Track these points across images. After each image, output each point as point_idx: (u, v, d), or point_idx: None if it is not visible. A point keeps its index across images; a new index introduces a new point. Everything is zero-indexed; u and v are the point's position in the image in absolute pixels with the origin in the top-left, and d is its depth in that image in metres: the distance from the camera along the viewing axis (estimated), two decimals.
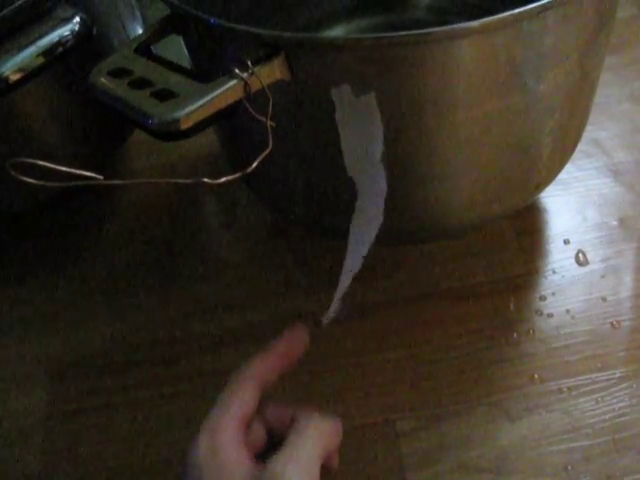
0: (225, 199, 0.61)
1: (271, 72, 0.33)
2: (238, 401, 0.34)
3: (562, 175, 0.48)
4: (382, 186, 0.37)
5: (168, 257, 0.57)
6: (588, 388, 0.45)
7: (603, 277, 0.50)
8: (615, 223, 0.54)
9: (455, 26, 0.32)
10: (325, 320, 0.40)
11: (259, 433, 0.35)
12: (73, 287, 0.56)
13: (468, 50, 0.34)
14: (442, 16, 0.60)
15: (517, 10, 0.32)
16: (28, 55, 0.40)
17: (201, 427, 0.33)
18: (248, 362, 0.36)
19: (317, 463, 0.32)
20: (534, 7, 0.32)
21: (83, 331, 0.53)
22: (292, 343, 0.38)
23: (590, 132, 0.49)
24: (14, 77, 0.40)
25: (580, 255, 0.52)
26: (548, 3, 0.32)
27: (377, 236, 0.39)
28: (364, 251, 0.39)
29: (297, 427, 0.33)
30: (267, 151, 0.33)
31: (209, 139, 0.51)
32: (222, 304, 0.53)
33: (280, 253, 0.56)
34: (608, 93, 0.63)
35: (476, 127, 0.37)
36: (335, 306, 0.40)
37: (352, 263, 0.39)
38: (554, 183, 0.48)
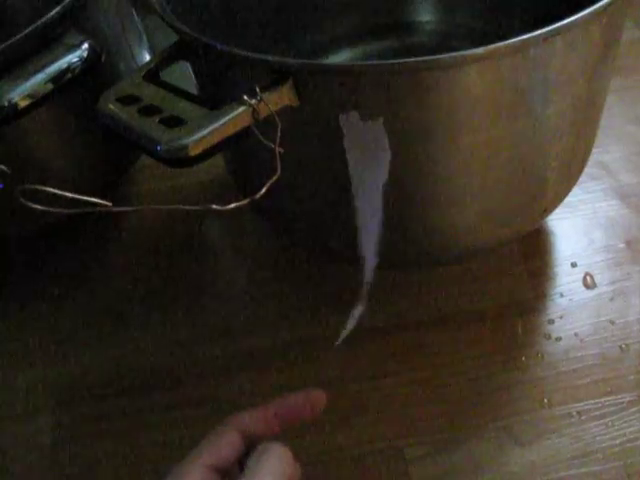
0: (230, 224, 0.61)
1: (279, 98, 0.33)
2: (213, 449, 0.33)
3: (568, 198, 0.48)
4: (379, 216, 0.37)
5: (173, 282, 0.57)
6: (598, 412, 0.44)
7: (611, 300, 0.50)
8: (622, 245, 0.54)
9: (462, 52, 0.32)
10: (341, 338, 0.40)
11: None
12: (78, 312, 0.56)
13: (475, 76, 0.34)
14: (446, 41, 0.60)
15: (524, 36, 0.32)
16: (37, 82, 0.41)
17: (171, 471, 0.32)
18: (240, 412, 0.35)
19: None
20: (541, 33, 0.32)
21: (89, 356, 0.53)
22: (296, 407, 0.37)
23: (595, 154, 0.49)
24: (23, 103, 0.40)
25: (588, 278, 0.52)
26: (555, 29, 0.32)
27: (383, 257, 0.39)
28: (371, 280, 0.39)
29: (255, 455, 0.33)
30: (275, 177, 0.33)
31: (216, 163, 0.51)
32: (227, 329, 0.53)
33: (285, 279, 0.55)
34: (612, 115, 0.63)
35: (483, 152, 0.37)
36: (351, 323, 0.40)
37: (364, 290, 0.39)
38: (560, 206, 0.48)
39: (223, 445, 0.34)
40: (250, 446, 0.34)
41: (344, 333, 0.40)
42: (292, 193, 0.42)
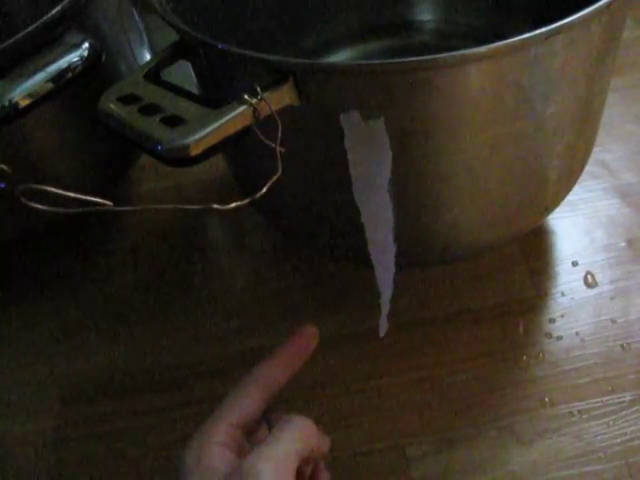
0: (232, 223, 0.61)
1: (280, 98, 0.33)
2: (237, 406, 0.34)
3: (569, 197, 0.48)
4: (388, 215, 0.37)
5: (173, 282, 0.57)
6: (599, 411, 0.44)
7: (612, 299, 0.50)
8: (623, 244, 0.54)
9: (463, 52, 0.32)
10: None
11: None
12: (79, 312, 0.56)
13: (476, 75, 0.34)
14: (447, 40, 0.60)
15: (525, 35, 0.32)
16: (37, 81, 0.40)
17: (196, 431, 0.33)
18: (255, 366, 0.36)
19: (292, 461, 0.31)
20: (542, 32, 0.32)
21: (92, 356, 0.53)
22: (299, 345, 0.38)
23: (596, 153, 0.49)
24: (23, 103, 0.40)
25: (589, 277, 0.52)
26: (556, 28, 0.32)
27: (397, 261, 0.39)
28: (390, 274, 0.40)
29: (279, 425, 0.33)
30: (276, 176, 0.33)
31: (216, 162, 0.51)
32: (229, 328, 0.53)
33: (287, 277, 0.55)
34: (613, 114, 0.63)
35: (484, 151, 0.37)
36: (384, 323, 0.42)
37: (384, 287, 0.40)
38: (561, 205, 0.48)
39: (246, 403, 0.34)
40: (270, 399, 0.35)
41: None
42: (293, 192, 0.42)
